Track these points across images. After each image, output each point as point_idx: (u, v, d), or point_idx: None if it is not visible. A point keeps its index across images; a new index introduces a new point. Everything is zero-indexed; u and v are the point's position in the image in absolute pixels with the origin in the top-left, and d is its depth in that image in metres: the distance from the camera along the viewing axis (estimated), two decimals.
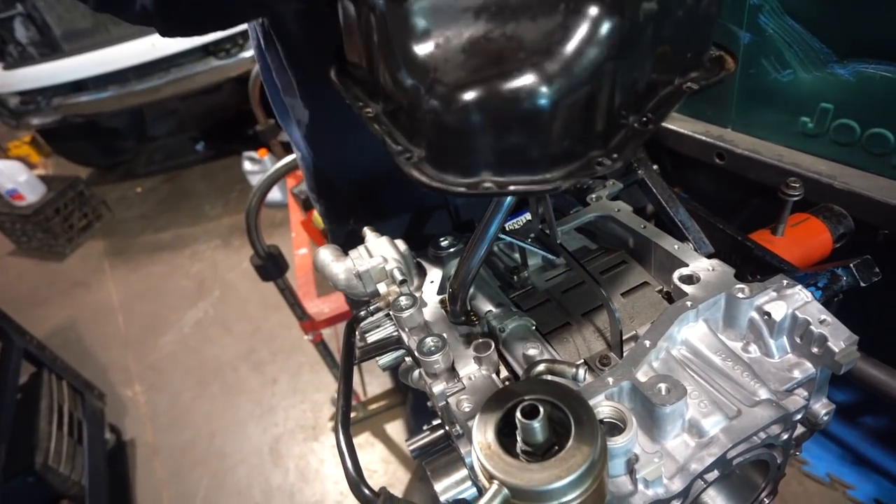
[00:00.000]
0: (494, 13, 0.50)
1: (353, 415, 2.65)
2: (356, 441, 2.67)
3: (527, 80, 0.48)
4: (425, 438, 0.88)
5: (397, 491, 2.44)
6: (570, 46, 0.47)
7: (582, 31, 0.47)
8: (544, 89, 0.48)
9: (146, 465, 2.86)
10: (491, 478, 0.54)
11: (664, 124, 1.72)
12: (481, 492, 0.56)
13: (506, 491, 0.53)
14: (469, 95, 0.49)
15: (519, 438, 0.58)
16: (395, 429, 2.70)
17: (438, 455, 0.81)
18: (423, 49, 0.52)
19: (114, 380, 3.43)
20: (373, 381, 2.84)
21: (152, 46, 3.81)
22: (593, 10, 0.47)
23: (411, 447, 0.88)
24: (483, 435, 0.57)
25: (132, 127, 6.24)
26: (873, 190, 1.21)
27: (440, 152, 0.55)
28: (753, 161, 1.45)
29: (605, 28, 0.47)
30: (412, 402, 2.13)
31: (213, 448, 2.87)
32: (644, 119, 0.56)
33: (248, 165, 4.48)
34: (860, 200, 1.22)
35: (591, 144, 0.54)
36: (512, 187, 0.53)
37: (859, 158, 1.25)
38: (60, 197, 4.87)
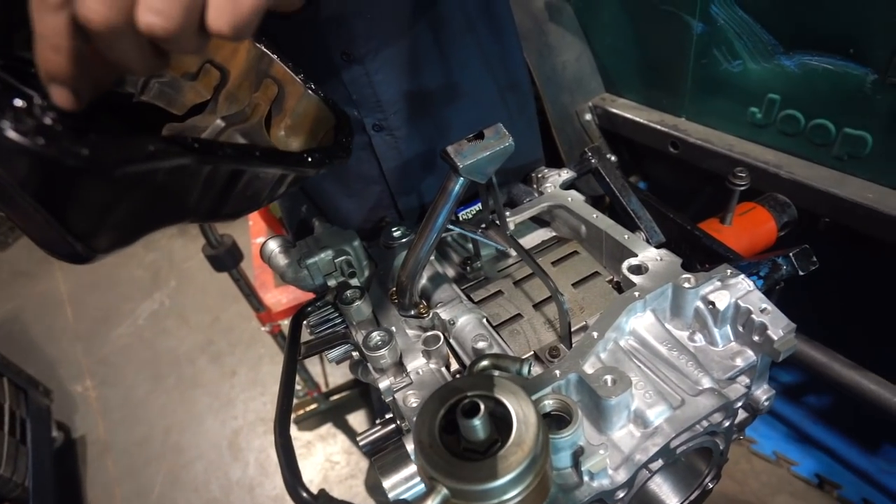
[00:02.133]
0: None
1: (313, 406, 2.61)
2: (318, 433, 2.65)
3: None
4: (377, 433, 0.86)
5: (359, 482, 2.44)
6: None
7: None
8: None
9: (97, 463, 2.75)
10: (430, 477, 0.53)
11: (620, 113, 1.73)
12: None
13: (445, 490, 0.52)
14: None
15: (461, 436, 0.56)
16: (358, 419, 2.68)
17: (388, 451, 0.79)
18: None
19: (63, 375, 3.29)
20: (335, 371, 2.80)
21: None
22: None
23: (362, 442, 0.86)
24: (422, 433, 0.55)
25: None
26: (816, 179, 1.24)
27: None
28: (706, 150, 1.47)
29: None
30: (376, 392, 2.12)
31: (169, 443, 2.78)
32: None
33: None
34: (804, 189, 1.26)
35: None
36: None
37: (804, 148, 1.29)
38: None
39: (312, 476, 2.47)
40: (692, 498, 0.86)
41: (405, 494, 0.73)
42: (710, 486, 0.86)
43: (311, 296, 1.04)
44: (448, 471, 0.52)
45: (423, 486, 0.74)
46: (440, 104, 1.13)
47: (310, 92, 0.78)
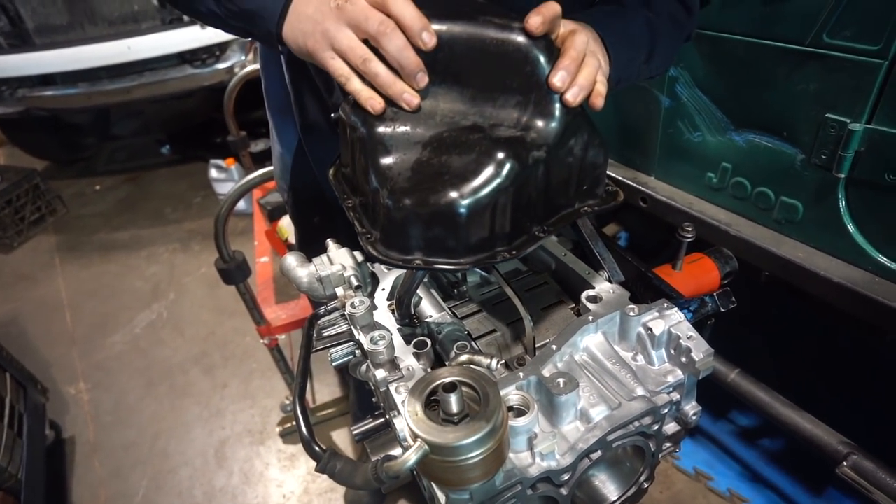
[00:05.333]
0: (435, 147, 0.76)
1: None
2: (298, 448, 2.75)
3: (449, 195, 0.72)
4: (368, 425, 1.02)
5: (338, 496, 2.53)
6: (480, 177, 0.73)
7: (489, 168, 0.73)
8: (461, 202, 0.72)
9: (85, 464, 2.83)
10: (415, 437, 0.70)
11: None
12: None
13: (426, 447, 0.69)
14: (409, 200, 0.73)
15: (441, 410, 0.74)
16: (341, 437, 2.79)
17: (378, 436, 0.96)
18: (385, 162, 0.76)
19: (57, 377, 3.38)
20: (322, 388, 2.93)
21: (128, 49, 3.87)
22: (499, 155, 0.73)
23: (355, 431, 1.02)
24: (412, 404, 0.72)
25: (96, 124, 6.16)
26: (759, 238, 1.45)
27: (388, 236, 0.79)
28: (670, 206, 1.68)
29: (505, 168, 0.73)
30: (356, 402, 2.29)
31: (156, 449, 2.87)
32: (543, 228, 0.82)
33: (214, 173, 4.53)
34: (749, 246, 1.46)
35: (496, 242, 0.78)
36: (435, 266, 0.79)
37: (750, 211, 1.50)
38: (14, 188, 4.76)
39: (294, 487, 2.57)
40: (629, 493, 1.02)
41: None
42: (646, 485, 1.03)
43: (305, 315, 1.22)
44: (429, 431, 0.69)
45: None
46: None
47: None
